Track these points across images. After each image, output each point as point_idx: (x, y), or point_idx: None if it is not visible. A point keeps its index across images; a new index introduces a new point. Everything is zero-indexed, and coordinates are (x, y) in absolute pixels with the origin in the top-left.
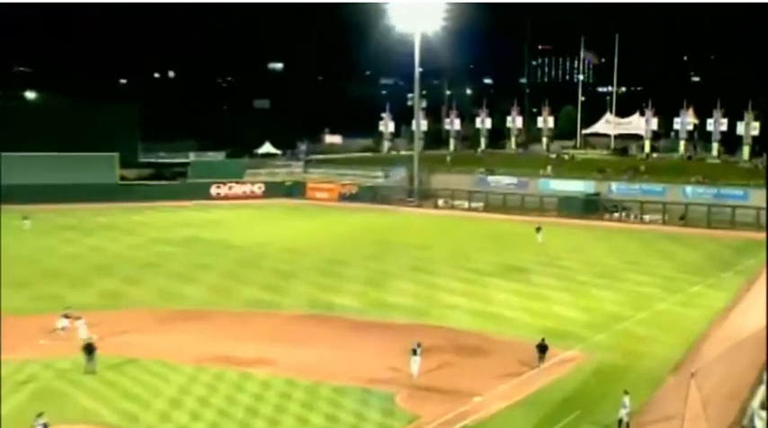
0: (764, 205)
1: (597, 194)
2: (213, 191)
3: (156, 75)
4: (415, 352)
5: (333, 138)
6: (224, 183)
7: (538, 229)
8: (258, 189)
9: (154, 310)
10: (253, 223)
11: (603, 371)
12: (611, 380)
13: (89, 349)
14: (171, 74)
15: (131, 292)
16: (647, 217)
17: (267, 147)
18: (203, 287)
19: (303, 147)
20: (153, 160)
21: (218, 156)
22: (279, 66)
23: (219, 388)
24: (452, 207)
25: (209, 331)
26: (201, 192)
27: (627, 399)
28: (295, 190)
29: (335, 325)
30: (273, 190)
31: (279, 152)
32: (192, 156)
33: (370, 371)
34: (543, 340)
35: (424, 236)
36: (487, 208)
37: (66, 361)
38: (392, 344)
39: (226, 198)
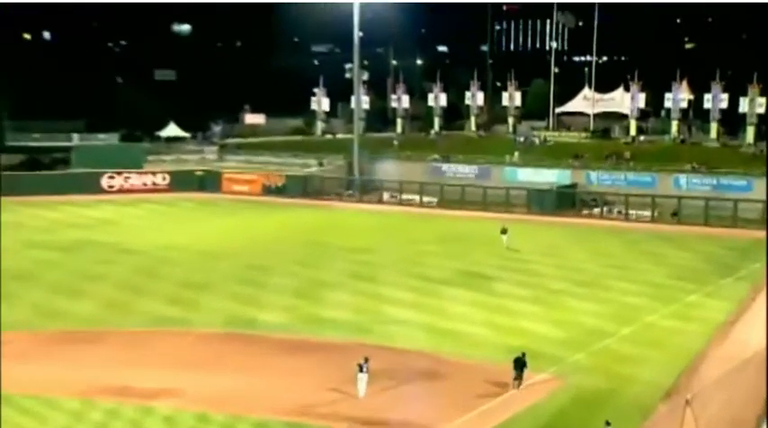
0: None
1: (573, 186)
2: (105, 182)
3: (27, 36)
4: (361, 369)
5: (254, 118)
6: (118, 174)
7: (503, 231)
8: (162, 180)
9: (29, 332)
10: (156, 222)
11: (583, 397)
12: (591, 408)
13: None
14: (47, 35)
15: None
16: (633, 212)
17: (172, 129)
18: (94, 302)
19: (217, 128)
20: (25, 144)
21: (110, 140)
22: (186, 28)
23: None
24: (400, 202)
25: (100, 356)
26: (90, 185)
27: None
28: (208, 181)
29: (258, 346)
30: (181, 181)
31: (187, 135)
32: (76, 139)
33: (299, 401)
34: (523, 355)
35: (367, 237)
36: (442, 203)
37: None
38: (327, 368)
39: (121, 191)
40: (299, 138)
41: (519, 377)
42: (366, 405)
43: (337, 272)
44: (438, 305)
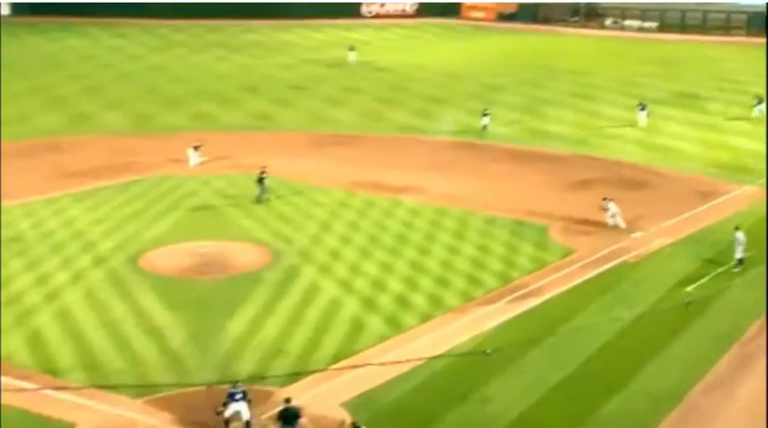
0: None
1: None
2: (364, 8)
3: None
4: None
5: None
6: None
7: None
8: (410, 7)
9: (304, 133)
10: (404, 44)
11: None
12: None
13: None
14: None
15: (281, 114)
16: None
17: None
18: (353, 111)
19: None
20: None
21: None
22: None
23: (369, 214)
24: (622, 27)
25: (359, 156)
26: (351, 10)
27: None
28: (449, 8)
29: (488, 153)
30: (426, 8)
31: None
32: None
33: (523, 203)
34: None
35: (588, 61)
36: (663, 28)
37: (221, 179)
38: (547, 175)
39: (377, 16)
40: None
41: None
42: (580, 209)
43: (561, 92)
44: (652, 122)
